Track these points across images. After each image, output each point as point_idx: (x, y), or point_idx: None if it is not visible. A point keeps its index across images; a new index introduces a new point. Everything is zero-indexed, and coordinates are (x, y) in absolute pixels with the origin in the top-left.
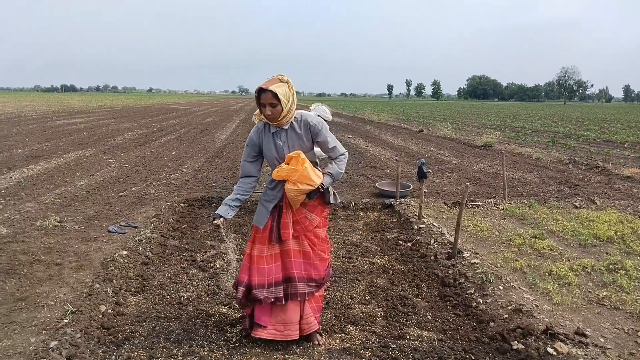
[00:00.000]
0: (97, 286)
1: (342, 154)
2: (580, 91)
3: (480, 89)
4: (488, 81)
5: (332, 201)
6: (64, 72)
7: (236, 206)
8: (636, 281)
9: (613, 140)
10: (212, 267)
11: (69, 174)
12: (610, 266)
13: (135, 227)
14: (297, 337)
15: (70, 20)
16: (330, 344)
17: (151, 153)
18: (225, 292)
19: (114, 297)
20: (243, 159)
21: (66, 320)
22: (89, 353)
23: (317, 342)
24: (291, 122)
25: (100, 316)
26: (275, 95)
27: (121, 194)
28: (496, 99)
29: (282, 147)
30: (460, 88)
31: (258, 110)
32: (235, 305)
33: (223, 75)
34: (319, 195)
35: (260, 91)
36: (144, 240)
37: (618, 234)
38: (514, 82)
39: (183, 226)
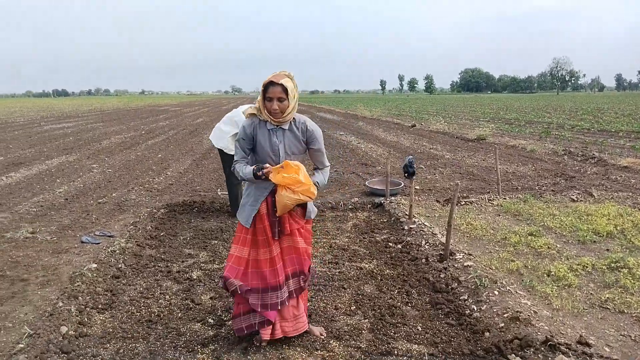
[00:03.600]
0: (61, 304)
1: (328, 166)
2: (573, 81)
3: (473, 82)
4: (481, 74)
5: (312, 216)
6: (56, 77)
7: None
8: None
9: (607, 129)
10: (188, 278)
11: (49, 181)
12: (612, 264)
13: (110, 237)
14: (295, 334)
15: (62, 25)
16: None
17: (136, 157)
18: (200, 305)
19: (78, 316)
20: (236, 153)
21: (21, 345)
22: None
23: (319, 334)
24: (290, 123)
25: (60, 339)
26: (285, 89)
27: (100, 200)
28: (489, 92)
29: (278, 145)
30: (453, 81)
31: (250, 107)
32: (209, 321)
33: (216, 75)
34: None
35: (270, 84)
36: (117, 251)
37: (618, 228)
38: (506, 74)
39: (162, 234)
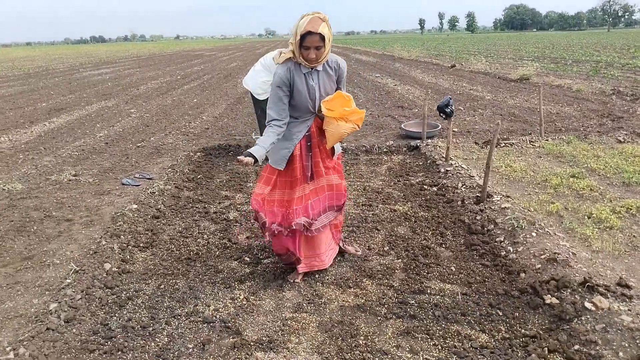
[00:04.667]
0: (104, 243)
1: None
2: (627, 16)
3: (518, 19)
4: (526, 10)
5: (339, 152)
6: (94, 24)
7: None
8: None
9: None
10: (225, 219)
11: (90, 126)
12: None
13: (149, 179)
14: (329, 264)
15: None
16: (343, 300)
17: (172, 102)
18: (237, 245)
19: (120, 253)
20: (272, 102)
21: (69, 280)
22: (89, 315)
23: (355, 251)
24: (323, 63)
25: (104, 275)
26: (322, 37)
27: (139, 144)
28: (535, 29)
29: (314, 87)
30: (496, 19)
31: (282, 51)
32: (246, 259)
33: (249, 17)
34: None
35: (308, 34)
36: (156, 193)
37: None
38: (554, 11)
39: (199, 176)
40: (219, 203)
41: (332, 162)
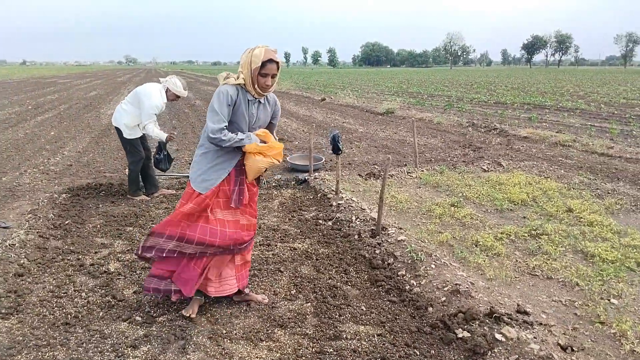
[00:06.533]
0: None
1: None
2: (464, 56)
3: (374, 56)
4: (380, 48)
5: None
6: None
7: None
8: (560, 246)
9: (502, 101)
10: (105, 271)
11: None
12: (532, 232)
13: (6, 228)
14: (215, 295)
15: None
16: (257, 357)
17: (25, 135)
18: (124, 302)
19: None
20: (218, 110)
21: None
22: None
23: (262, 299)
24: (265, 95)
25: None
26: (279, 66)
27: None
28: (388, 65)
29: (254, 116)
30: (354, 55)
31: (233, 77)
32: (137, 318)
33: (107, 44)
34: None
35: (269, 62)
36: (16, 245)
37: (530, 196)
38: (404, 49)
39: (67, 222)
40: (95, 253)
41: (255, 189)
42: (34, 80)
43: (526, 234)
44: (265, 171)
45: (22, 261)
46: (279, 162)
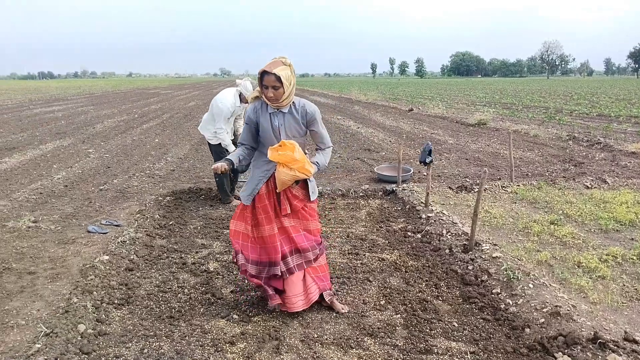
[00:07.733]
0: (75, 300)
1: (330, 147)
2: (563, 65)
3: (464, 66)
4: (471, 57)
5: (312, 199)
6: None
7: (238, 161)
8: None
9: (606, 114)
10: (205, 270)
11: (46, 167)
12: None
13: (117, 226)
14: (304, 308)
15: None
16: None
17: (133, 141)
18: (222, 300)
19: (94, 312)
20: (243, 130)
21: (39, 345)
22: None
23: (341, 309)
24: (290, 106)
25: (79, 338)
26: (278, 78)
27: (101, 187)
28: (479, 75)
29: (279, 128)
30: (443, 65)
31: (254, 91)
32: (234, 317)
33: (204, 57)
34: (301, 183)
35: (264, 74)
36: (127, 242)
37: (639, 216)
38: (496, 58)
39: (171, 222)
40: (196, 252)
41: (302, 204)
42: (139, 90)
43: (635, 257)
44: (296, 184)
45: (132, 257)
46: (307, 176)
